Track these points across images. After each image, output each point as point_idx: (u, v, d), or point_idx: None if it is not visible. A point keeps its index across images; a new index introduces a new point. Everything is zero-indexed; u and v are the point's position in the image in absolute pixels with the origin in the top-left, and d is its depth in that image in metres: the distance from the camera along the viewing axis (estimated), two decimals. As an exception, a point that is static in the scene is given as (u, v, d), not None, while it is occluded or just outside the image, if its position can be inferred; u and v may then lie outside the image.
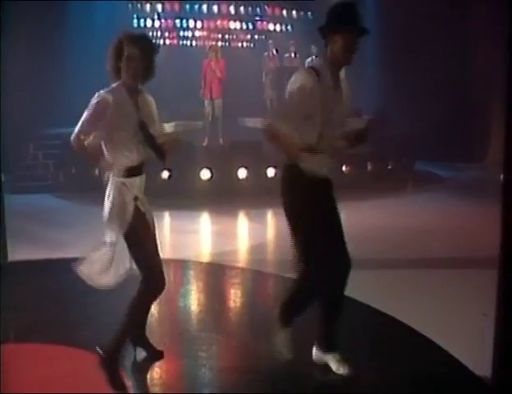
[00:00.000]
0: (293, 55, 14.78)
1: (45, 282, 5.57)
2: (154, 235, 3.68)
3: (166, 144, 3.63)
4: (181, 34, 15.91)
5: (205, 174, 10.23)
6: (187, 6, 14.28)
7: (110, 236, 3.56)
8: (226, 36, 16.23)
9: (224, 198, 9.82)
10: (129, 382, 3.60)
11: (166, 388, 3.72)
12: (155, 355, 3.90)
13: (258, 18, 15.34)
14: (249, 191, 10.13)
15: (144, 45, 3.46)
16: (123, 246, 3.53)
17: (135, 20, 14.26)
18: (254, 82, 14.81)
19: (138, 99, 3.54)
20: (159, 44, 3.78)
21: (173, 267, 5.97)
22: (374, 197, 10.02)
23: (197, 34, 15.93)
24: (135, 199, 3.56)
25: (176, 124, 14.18)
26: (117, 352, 3.57)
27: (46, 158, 11.24)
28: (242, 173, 10.43)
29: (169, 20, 14.76)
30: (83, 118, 3.47)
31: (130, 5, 13.85)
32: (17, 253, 6.41)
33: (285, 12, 15.05)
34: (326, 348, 3.78)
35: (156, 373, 3.84)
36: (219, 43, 15.45)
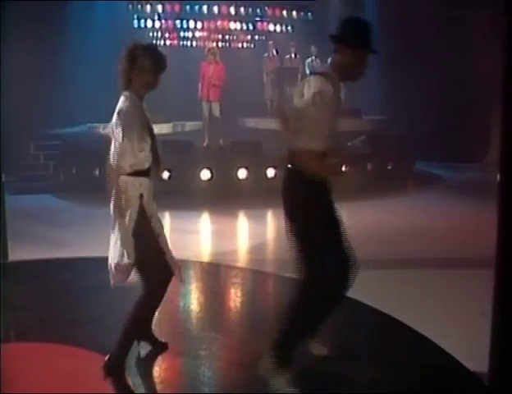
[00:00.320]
0: (293, 56, 14.81)
1: (45, 282, 5.60)
2: (157, 241, 3.68)
3: None
4: (182, 34, 15.92)
5: (205, 174, 10.24)
6: (187, 7, 14.27)
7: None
8: (227, 37, 16.24)
9: (224, 198, 9.83)
10: (131, 382, 3.61)
11: (166, 387, 3.73)
12: (159, 347, 3.94)
13: (258, 19, 15.34)
14: (248, 191, 10.14)
15: (157, 57, 3.54)
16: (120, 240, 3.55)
17: (136, 21, 14.25)
18: (254, 83, 14.85)
19: (143, 107, 3.63)
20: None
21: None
22: (374, 197, 10.03)
23: (197, 34, 15.94)
24: (141, 196, 3.58)
25: (175, 124, 14.23)
26: (123, 359, 3.59)
27: (46, 159, 11.25)
28: (242, 173, 10.44)
29: (169, 21, 14.75)
30: (113, 147, 3.49)
31: (130, 5, 13.83)
32: (18, 252, 6.43)
33: (285, 13, 15.04)
34: (311, 338, 3.83)
35: (156, 371, 3.85)
36: (219, 44, 15.48)
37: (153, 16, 14.40)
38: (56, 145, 11.13)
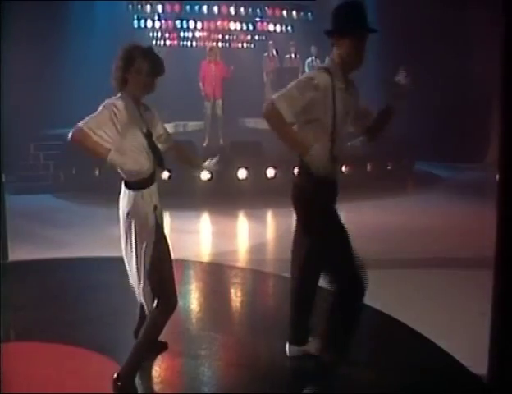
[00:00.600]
0: (293, 56, 14.81)
1: (45, 282, 5.60)
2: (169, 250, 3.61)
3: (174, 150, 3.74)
4: (181, 34, 15.92)
5: (205, 174, 10.24)
6: (187, 7, 14.27)
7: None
8: (227, 37, 16.25)
9: (224, 198, 9.83)
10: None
11: (166, 387, 3.74)
12: (159, 347, 3.92)
13: (258, 19, 15.35)
14: (248, 191, 10.14)
15: (155, 61, 3.48)
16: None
17: (136, 21, 14.26)
18: (254, 82, 14.84)
19: (140, 109, 3.55)
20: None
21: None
22: (374, 197, 10.03)
23: (197, 34, 15.95)
24: (155, 208, 3.54)
25: (176, 124, 14.23)
26: (133, 377, 3.50)
27: (46, 159, 11.26)
28: (242, 173, 10.44)
29: (169, 21, 14.76)
30: (89, 117, 3.33)
31: (130, 6, 13.84)
32: (18, 252, 6.43)
33: (285, 13, 15.05)
34: (305, 338, 3.84)
35: (156, 371, 3.85)
36: (219, 44, 15.48)
37: (153, 16, 14.40)
38: (56, 145, 11.12)
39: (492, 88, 11.94)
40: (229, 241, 7.86)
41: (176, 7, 14.25)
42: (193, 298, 5.56)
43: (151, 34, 15.05)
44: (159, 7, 14.09)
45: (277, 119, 3.31)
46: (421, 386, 3.68)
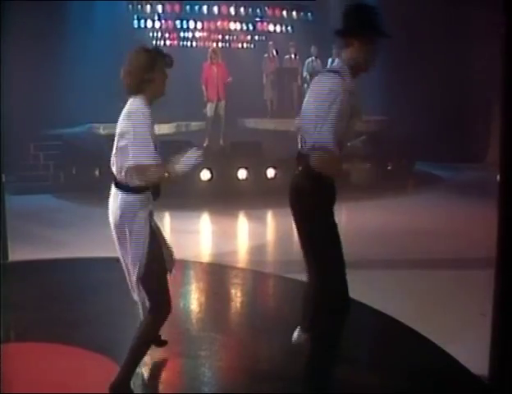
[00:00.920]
0: (293, 56, 14.81)
1: (45, 282, 5.60)
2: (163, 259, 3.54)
3: None
4: (182, 35, 15.91)
5: (205, 174, 10.23)
6: (187, 7, 14.27)
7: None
8: (227, 37, 16.23)
9: (224, 198, 9.83)
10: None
11: (167, 387, 3.73)
12: (158, 344, 3.92)
13: (258, 19, 15.35)
14: (248, 192, 10.14)
15: (171, 64, 3.49)
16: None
17: (136, 21, 14.25)
18: (254, 83, 14.83)
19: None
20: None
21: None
22: (374, 197, 10.02)
23: (197, 35, 15.93)
24: (151, 214, 3.45)
25: (178, 124, 14.22)
26: (129, 381, 3.44)
27: (46, 159, 11.24)
28: (242, 174, 10.44)
29: (169, 21, 14.76)
30: (144, 148, 3.22)
31: (130, 6, 13.84)
32: (18, 253, 6.42)
33: (285, 13, 15.06)
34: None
35: (156, 372, 3.85)
36: (219, 44, 15.48)
37: (153, 16, 14.40)
38: (56, 145, 11.12)
39: (493, 88, 11.96)
40: (229, 241, 7.85)
41: (176, 7, 14.25)
42: (193, 298, 5.56)
43: (151, 35, 15.04)
44: (159, 7, 14.09)
45: (334, 162, 3.25)
46: (422, 387, 3.68)
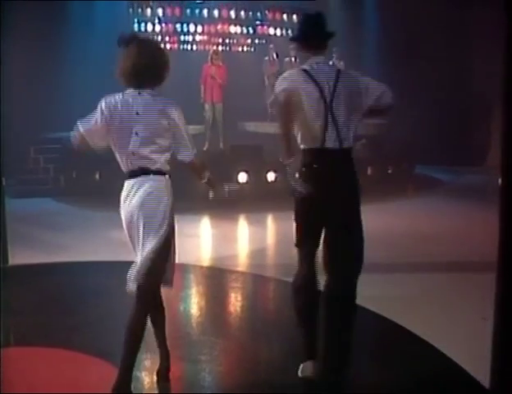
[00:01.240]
0: (293, 59, 14.80)
1: (45, 286, 5.58)
2: None
3: None
4: (182, 38, 15.92)
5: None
6: (188, 11, 14.29)
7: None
8: (227, 40, 16.24)
9: (224, 202, 9.82)
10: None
11: (167, 392, 3.72)
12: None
13: (258, 22, 15.36)
14: (249, 195, 10.13)
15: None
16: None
17: (136, 25, 14.26)
18: (255, 86, 14.83)
19: None
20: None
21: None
22: (374, 201, 10.00)
23: (197, 38, 15.93)
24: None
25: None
26: (129, 384, 3.41)
27: (46, 162, 11.25)
28: (242, 177, 10.43)
29: (170, 25, 14.77)
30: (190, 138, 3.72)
31: (130, 9, 13.86)
32: (18, 256, 6.41)
33: (285, 17, 15.08)
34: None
35: (156, 376, 3.83)
36: (220, 48, 15.49)
37: (154, 19, 14.41)
38: (56, 149, 11.12)
39: (493, 91, 11.95)
40: (229, 245, 7.85)
41: (177, 11, 14.27)
42: (193, 302, 5.55)
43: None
44: (160, 11, 14.10)
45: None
46: (422, 391, 3.66)
